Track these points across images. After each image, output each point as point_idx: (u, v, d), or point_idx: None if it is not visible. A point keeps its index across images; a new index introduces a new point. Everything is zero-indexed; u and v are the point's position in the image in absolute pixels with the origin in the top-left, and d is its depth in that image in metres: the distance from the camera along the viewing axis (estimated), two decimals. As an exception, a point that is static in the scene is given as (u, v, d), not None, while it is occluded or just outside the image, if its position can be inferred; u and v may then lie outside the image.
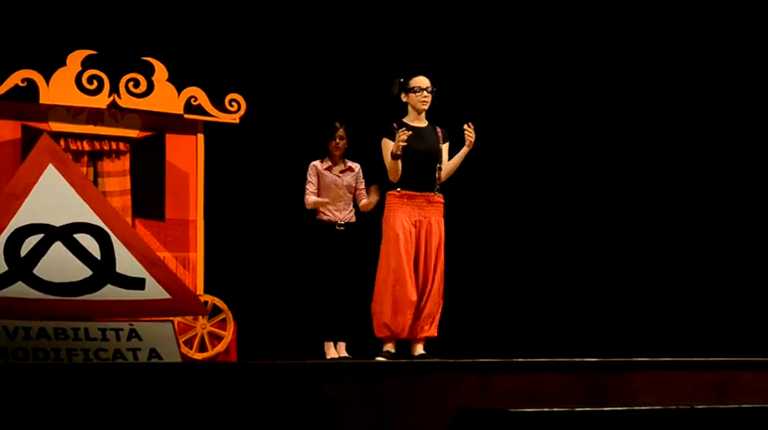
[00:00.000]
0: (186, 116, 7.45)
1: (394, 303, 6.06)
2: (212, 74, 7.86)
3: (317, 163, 7.43)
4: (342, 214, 7.34)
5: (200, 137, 7.55)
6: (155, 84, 7.33)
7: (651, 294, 9.05)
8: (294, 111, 8.53)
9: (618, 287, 9.07)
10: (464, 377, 4.91)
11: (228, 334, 7.39)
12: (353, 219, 7.36)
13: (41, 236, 5.57)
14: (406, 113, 6.37)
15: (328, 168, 7.38)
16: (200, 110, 7.47)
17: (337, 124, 7.39)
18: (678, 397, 5.22)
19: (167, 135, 7.46)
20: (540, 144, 9.34)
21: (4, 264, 5.52)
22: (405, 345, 6.43)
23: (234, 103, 7.57)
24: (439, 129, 6.38)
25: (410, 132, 6.11)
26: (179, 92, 7.42)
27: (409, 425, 4.74)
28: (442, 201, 6.33)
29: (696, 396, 5.26)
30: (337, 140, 7.36)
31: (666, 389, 5.24)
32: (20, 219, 5.57)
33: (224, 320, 7.41)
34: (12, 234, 5.59)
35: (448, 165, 6.33)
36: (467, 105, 8.75)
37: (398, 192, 6.19)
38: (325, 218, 7.33)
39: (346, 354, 7.31)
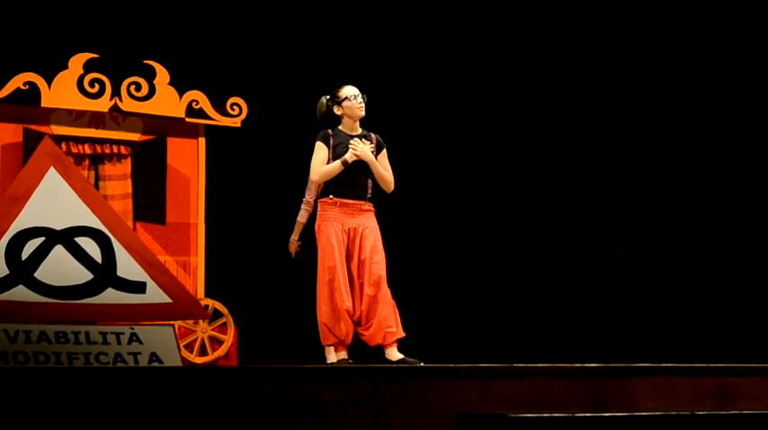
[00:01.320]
0: (188, 120, 7.46)
1: (334, 311, 6.05)
2: (214, 77, 7.87)
3: None
4: None
5: (202, 140, 7.56)
6: (156, 87, 7.34)
7: (651, 300, 9.05)
8: (296, 115, 8.53)
9: (618, 293, 9.07)
10: (464, 382, 4.90)
11: (229, 338, 7.39)
12: None
13: (43, 239, 5.57)
14: (338, 125, 6.19)
15: None
16: (201, 113, 7.48)
17: None
18: (678, 402, 5.21)
19: (169, 138, 7.47)
20: (535, 148, 9.35)
21: (6, 268, 5.51)
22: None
23: (235, 107, 7.58)
24: (374, 137, 6.28)
25: (366, 143, 6.09)
26: (180, 95, 7.43)
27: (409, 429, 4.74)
28: (373, 209, 6.27)
29: (697, 402, 5.25)
30: None
31: (667, 395, 5.23)
32: (21, 223, 5.58)
33: (225, 324, 7.41)
34: (13, 237, 5.59)
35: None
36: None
37: (331, 199, 6.13)
38: None
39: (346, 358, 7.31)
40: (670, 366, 5.42)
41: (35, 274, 5.50)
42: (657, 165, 9.29)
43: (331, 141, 6.16)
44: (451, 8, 9.09)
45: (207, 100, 7.48)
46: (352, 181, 6.15)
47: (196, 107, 7.45)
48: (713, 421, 4.98)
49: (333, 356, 7.02)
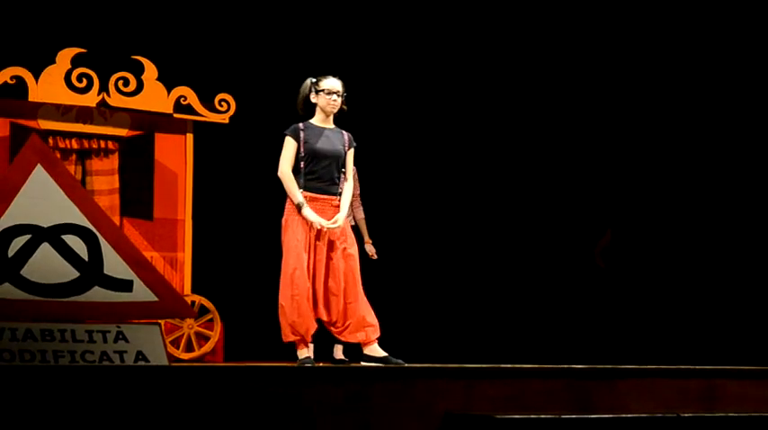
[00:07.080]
0: (175, 115, 7.44)
1: (299, 308, 6.01)
2: (202, 73, 7.86)
3: None
4: None
5: (190, 136, 7.54)
6: (144, 83, 7.32)
7: (637, 302, 9.06)
8: (283, 112, 8.51)
9: (604, 294, 9.08)
10: (451, 382, 4.91)
11: (215, 334, 7.39)
12: None
13: (29, 236, 5.54)
14: (313, 114, 6.12)
15: None
16: (189, 109, 7.47)
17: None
18: (664, 404, 5.23)
19: (156, 134, 7.46)
20: (515, 147, 9.36)
21: (-9, 265, 5.49)
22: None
23: (223, 103, 7.57)
24: (345, 134, 6.12)
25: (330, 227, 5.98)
26: (169, 91, 7.41)
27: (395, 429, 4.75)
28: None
29: (682, 404, 5.27)
30: None
31: (652, 397, 5.25)
32: (7, 220, 5.54)
33: (211, 320, 7.40)
34: (-2, 234, 5.56)
35: (344, 198, 6.04)
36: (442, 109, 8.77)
37: (302, 193, 6.01)
38: None
39: (343, 357, 7.30)
40: (656, 368, 5.44)
41: (21, 272, 5.47)
42: (641, 169, 9.29)
43: (301, 136, 6.02)
44: (438, 6, 9.09)
45: (195, 96, 7.46)
46: (323, 175, 6.00)
47: (184, 103, 7.43)
48: (699, 423, 5.01)
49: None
